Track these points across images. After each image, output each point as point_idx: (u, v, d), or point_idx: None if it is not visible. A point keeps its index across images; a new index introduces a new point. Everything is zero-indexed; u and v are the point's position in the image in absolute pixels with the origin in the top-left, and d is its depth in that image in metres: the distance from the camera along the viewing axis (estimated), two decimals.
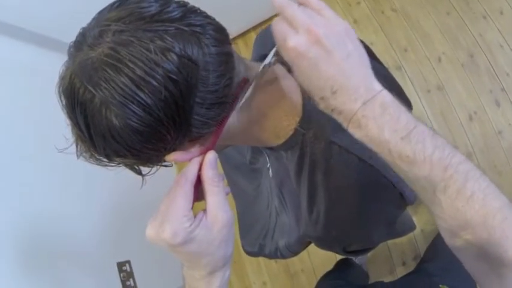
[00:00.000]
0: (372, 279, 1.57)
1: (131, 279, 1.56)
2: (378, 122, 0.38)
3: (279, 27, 0.41)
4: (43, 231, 1.24)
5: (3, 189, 1.13)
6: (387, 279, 1.09)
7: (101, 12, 0.41)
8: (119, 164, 0.43)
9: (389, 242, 1.68)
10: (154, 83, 0.36)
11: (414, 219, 1.63)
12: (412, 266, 1.59)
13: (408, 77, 1.73)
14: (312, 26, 0.39)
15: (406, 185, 0.58)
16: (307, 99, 0.55)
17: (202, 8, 0.43)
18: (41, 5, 1.23)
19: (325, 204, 0.58)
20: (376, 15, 1.82)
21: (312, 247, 0.81)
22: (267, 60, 0.47)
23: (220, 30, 0.42)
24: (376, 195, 0.57)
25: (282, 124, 0.55)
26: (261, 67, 0.47)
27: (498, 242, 0.36)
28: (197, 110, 0.40)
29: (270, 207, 0.88)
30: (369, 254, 1.68)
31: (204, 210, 0.43)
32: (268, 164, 0.74)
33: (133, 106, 0.36)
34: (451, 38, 1.69)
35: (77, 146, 0.42)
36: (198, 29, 0.39)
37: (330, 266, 1.38)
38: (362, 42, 0.76)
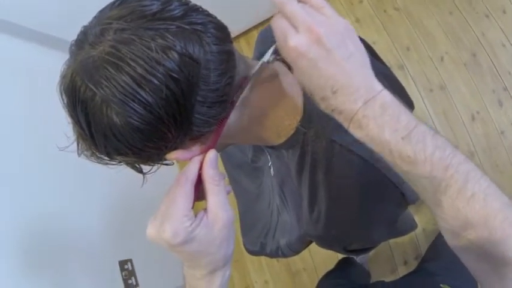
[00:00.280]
0: (374, 279, 1.57)
1: (133, 278, 1.57)
2: (378, 122, 0.38)
3: (279, 25, 0.41)
4: (45, 229, 1.24)
5: (6, 188, 1.13)
6: (389, 278, 1.09)
7: (102, 11, 0.41)
8: (120, 162, 0.43)
9: (391, 241, 1.67)
10: (155, 81, 0.36)
11: (416, 218, 1.63)
12: (413, 265, 1.59)
13: (411, 76, 1.72)
14: (313, 25, 0.38)
15: (408, 185, 0.58)
16: (308, 98, 0.55)
17: (205, 7, 0.43)
18: (43, 3, 1.23)
19: (326, 203, 0.58)
20: (378, 14, 1.82)
21: (314, 246, 0.81)
22: (265, 58, 0.46)
23: (221, 28, 0.42)
24: (377, 195, 0.57)
25: (283, 123, 0.55)
26: (259, 65, 0.47)
27: (499, 242, 0.36)
28: (198, 109, 0.40)
29: (272, 206, 0.88)
30: (371, 253, 1.68)
31: (205, 210, 0.43)
32: (270, 163, 0.74)
33: (134, 104, 0.36)
34: (454, 37, 1.69)
35: (78, 144, 0.42)
36: (199, 28, 0.39)
37: (331, 265, 1.39)
38: (363, 41, 0.76)
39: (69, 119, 0.41)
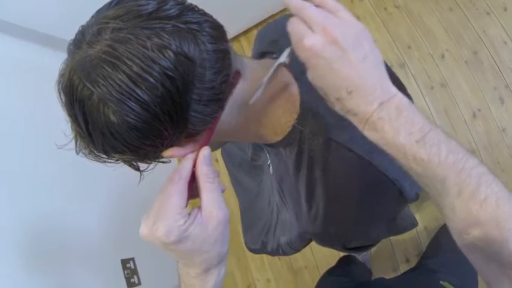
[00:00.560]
0: (375, 276, 1.57)
1: (135, 276, 1.57)
2: (393, 125, 0.39)
3: (295, 27, 0.41)
4: (47, 228, 1.25)
5: (5, 187, 1.14)
6: (390, 276, 1.09)
7: (99, 10, 0.41)
8: (118, 160, 0.44)
9: (393, 239, 1.67)
10: (151, 79, 0.36)
11: (417, 216, 1.63)
12: (415, 262, 1.59)
13: (411, 74, 1.72)
14: (329, 26, 0.39)
15: (406, 182, 0.58)
16: (305, 96, 0.55)
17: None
18: (44, 4, 1.24)
19: (323, 200, 0.58)
20: (378, 12, 1.81)
21: (315, 244, 0.81)
22: (281, 59, 0.46)
23: (217, 27, 0.43)
24: (375, 193, 0.57)
25: (280, 121, 0.56)
26: (275, 66, 0.47)
27: (509, 242, 0.37)
28: (194, 107, 0.40)
29: (272, 204, 0.88)
30: (372, 251, 1.68)
31: (199, 207, 0.42)
32: (269, 161, 0.75)
33: (131, 103, 0.37)
34: (455, 34, 1.68)
35: (76, 143, 0.43)
36: (194, 27, 0.39)
37: (333, 263, 1.39)
38: None
39: (67, 118, 0.41)
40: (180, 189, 0.41)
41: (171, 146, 0.43)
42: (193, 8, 0.41)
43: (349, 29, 0.40)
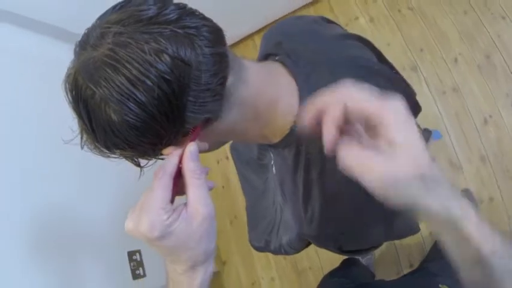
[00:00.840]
0: None
1: (141, 268, 1.60)
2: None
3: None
4: (56, 219, 1.27)
5: (17, 178, 1.16)
6: None
7: (103, 14, 0.43)
8: (120, 156, 0.46)
9: (397, 243, 1.67)
10: (149, 82, 0.38)
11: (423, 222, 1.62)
12: None
13: (424, 77, 1.70)
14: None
15: None
16: (304, 99, 0.56)
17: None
18: None
19: (319, 202, 0.58)
20: (392, 14, 1.80)
21: None
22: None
23: (215, 31, 0.44)
24: (372, 198, 0.57)
25: (278, 123, 0.56)
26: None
27: None
28: (190, 108, 0.42)
29: (276, 204, 0.89)
30: (376, 255, 1.68)
31: (185, 204, 0.42)
32: (272, 161, 0.75)
33: (130, 103, 0.39)
34: (468, 38, 1.66)
35: (81, 138, 0.45)
36: (192, 31, 0.41)
37: (337, 265, 1.39)
38: (370, 43, 0.76)
39: (74, 115, 0.43)
40: (164, 184, 0.41)
41: (170, 144, 0.44)
42: (192, 13, 0.43)
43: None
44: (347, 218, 0.59)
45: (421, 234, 1.61)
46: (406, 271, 1.63)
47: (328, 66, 0.59)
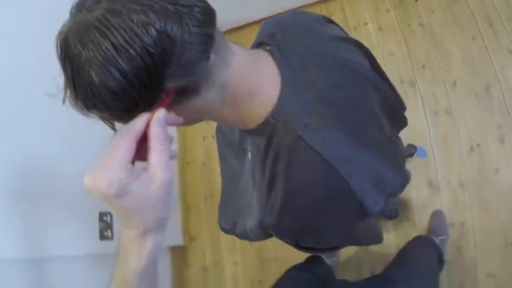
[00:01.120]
0: None
1: (109, 231, 1.61)
2: None
3: None
4: (34, 168, 1.27)
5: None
6: None
7: None
8: (97, 116, 0.47)
9: (363, 253, 1.69)
10: (132, 52, 0.40)
11: (393, 234, 1.64)
12: None
13: (420, 94, 1.72)
14: None
15: (371, 197, 0.58)
16: (285, 92, 0.56)
17: None
18: None
19: (281, 194, 0.59)
20: (402, 27, 1.80)
21: None
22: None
23: (206, 12, 0.45)
24: (333, 199, 0.57)
25: (255, 111, 0.57)
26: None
27: None
28: (169, 80, 0.43)
29: (248, 188, 0.89)
30: (341, 259, 1.70)
31: (145, 168, 0.42)
32: (249, 146, 0.76)
33: (112, 69, 0.41)
34: (471, 64, 1.67)
35: (65, 92, 0.46)
36: (183, 9, 0.42)
37: (302, 260, 1.40)
38: (367, 50, 0.76)
39: (61, 70, 0.45)
40: (127, 143, 0.41)
41: (145, 111, 0.45)
42: None
43: None
44: (305, 214, 0.60)
45: (388, 247, 1.64)
46: None
47: (317, 64, 0.60)
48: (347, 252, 1.72)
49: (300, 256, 1.49)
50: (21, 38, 1.25)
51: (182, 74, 0.44)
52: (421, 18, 1.77)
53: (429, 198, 1.63)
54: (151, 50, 0.40)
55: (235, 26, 2.08)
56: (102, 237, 1.58)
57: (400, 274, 1.10)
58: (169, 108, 0.46)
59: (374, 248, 1.67)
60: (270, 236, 0.87)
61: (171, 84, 0.44)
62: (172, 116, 0.48)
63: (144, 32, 0.40)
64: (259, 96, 0.56)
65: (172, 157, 0.45)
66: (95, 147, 1.49)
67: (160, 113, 0.44)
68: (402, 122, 0.91)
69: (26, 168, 1.23)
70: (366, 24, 1.88)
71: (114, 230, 1.61)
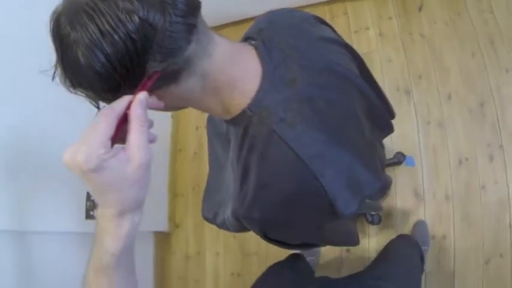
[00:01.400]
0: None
1: (95, 210, 1.62)
2: None
3: None
4: (26, 140, 1.27)
5: None
6: None
7: None
8: (83, 95, 0.49)
9: (344, 253, 1.71)
10: (116, 37, 0.43)
11: (375, 239, 1.66)
12: None
13: (414, 103, 1.72)
14: None
15: (342, 198, 0.58)
16: (264, 86, 0.57)
17: None
18: None
19: (253, 186, 0.60)
20: (403, 35, 1.81)
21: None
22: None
23: (190, 3, 0.47)
24: (303, 195, 0.58)
25: (233, 102, 0.58)
26: None
27: None
28: (150, 65, 0.45)
29: (230, 179, 0.90)
30: (321, 260, 1.72)
31: (124, 148, 0.43)
32: (232, 137, 0.77)
33: (97, 51, 0.43)
34: (468, 80, 1.67)
35: (55, 70, 0.49)
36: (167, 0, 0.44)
37: (283, 256, 1.41)
38: (357, 55, 0.76)
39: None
40: (109, 121, 0.42)
41: (127, 93, 0.46)
42: None
43: None
44: (273, 208, 0.60)
45: (368, 251, 1.66)
46: None
47: (300, 63, 0.61)
48: (327, 254, 1.74)
49: (282, 252, 1.50)
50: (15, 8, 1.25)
51: (163, 60, 0.46)
52: (422, 29, 1.78)
53: (414, 207, 1.64)
54: (134, 37, 0.43)
55: (240, 18, 2.08)
56: (88, 216, 1.59)
57: (383, 270, 1.10)
58: (150, 92, 0.48)
59: (354, 251, 1.70)
60: (246, 228, 0.88)
61: (152, 69, 0.46)
62: (154, 100, 0.50)
63: (128, 18, 0.42)
64: (238, 88, 0.57)
65: (151, 141, 0.47)
66: (83, 125, 1.49)
67: (142, 96, 0.45)
68: (388, 129, 0.91)
69: (15, 142, 1.24)
70: (367, 29, 1.89)
71: None
